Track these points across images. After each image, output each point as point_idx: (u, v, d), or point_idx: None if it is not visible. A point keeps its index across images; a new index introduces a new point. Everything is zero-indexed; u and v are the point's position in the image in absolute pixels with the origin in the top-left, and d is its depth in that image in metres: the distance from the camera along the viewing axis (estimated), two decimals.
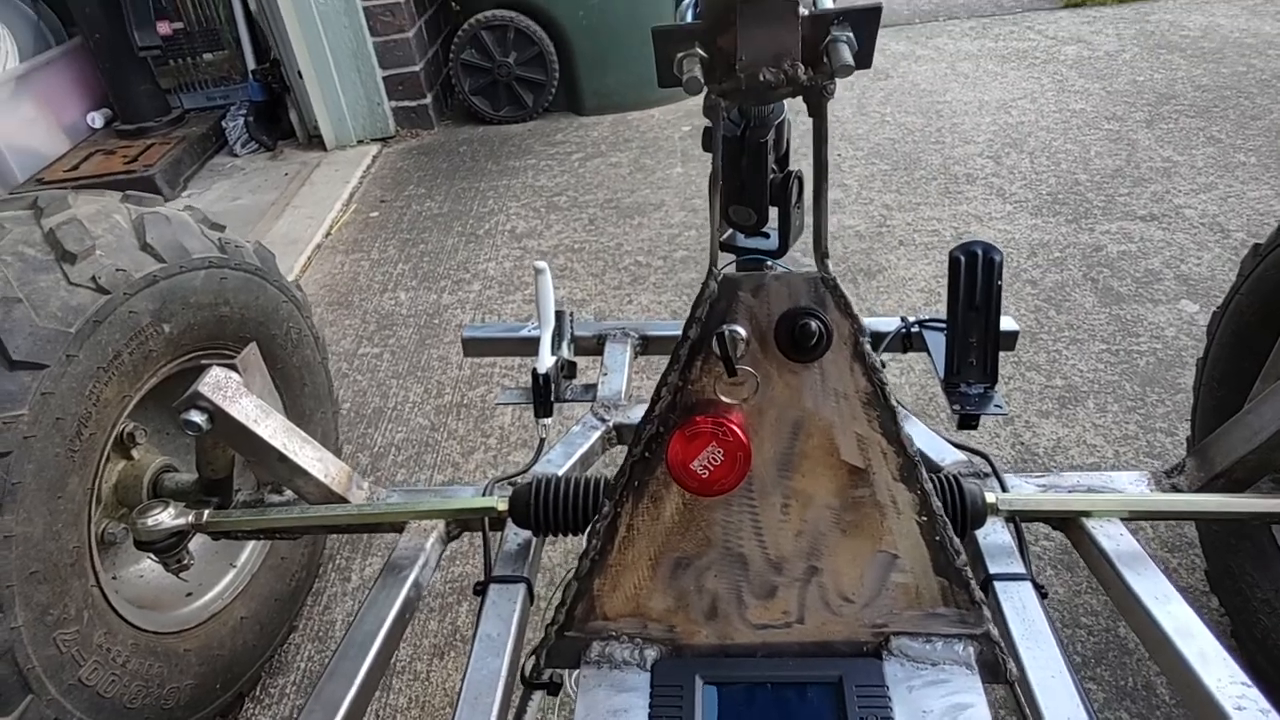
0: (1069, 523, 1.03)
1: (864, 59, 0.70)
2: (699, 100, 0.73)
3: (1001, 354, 1.22)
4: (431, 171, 3.67)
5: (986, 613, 0.81)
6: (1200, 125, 3.17)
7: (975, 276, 1.16)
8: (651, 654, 0.83)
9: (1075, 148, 3.12)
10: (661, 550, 0.82)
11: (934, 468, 1.13)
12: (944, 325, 1.23)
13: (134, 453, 1.26)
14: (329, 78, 3.84)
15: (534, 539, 1.07)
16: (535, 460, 1.21)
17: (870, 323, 1.41)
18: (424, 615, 1.62)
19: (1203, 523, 1.43)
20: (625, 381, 1.38)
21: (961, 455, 1.15)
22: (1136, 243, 2.52)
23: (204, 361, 1.22)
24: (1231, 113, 3.23)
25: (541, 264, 1.26)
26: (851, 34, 0.69)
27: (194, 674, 1.27)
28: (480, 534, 1.09)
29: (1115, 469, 1.74)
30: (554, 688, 0.92)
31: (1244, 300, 1.24)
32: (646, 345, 1.51)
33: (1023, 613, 0.90)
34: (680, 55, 0.71)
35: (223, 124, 4.05)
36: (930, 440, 1.18)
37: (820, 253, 0.77)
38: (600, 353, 1.48)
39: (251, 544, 1.46)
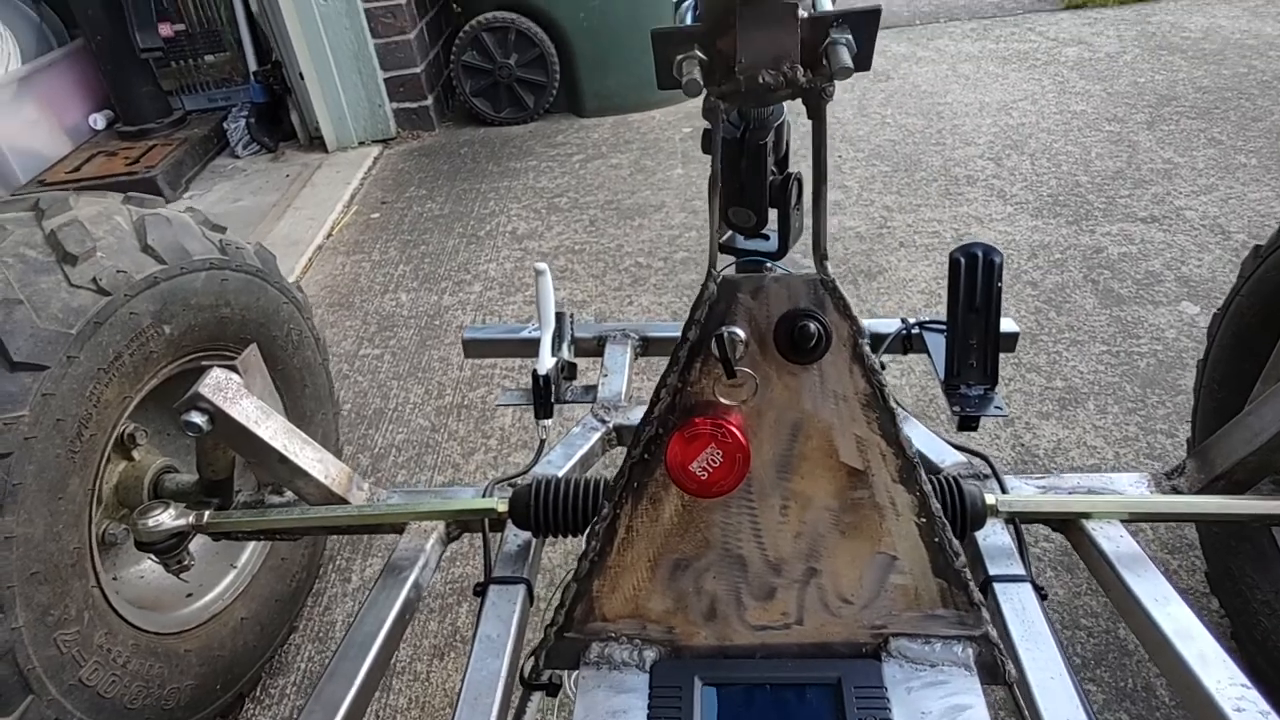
0: (1069, 524, 1.03)
1: (863, 61, 0.70)
2: (699, 102, 0.73)
3: (1002, 355, 1.22)
4: (433, 173, 3.68)
5: (985, 614, 0.81)
6: (1201, 127, 3.16)
7: (975, 278, 1.16)
8: (650, 655, 0.83)
9: (1076, 149, 3.12)
10: (660, 552, 0.82)
11: (934, 469, 1.13)
12: (944, 327, 1.23)
13: (135, 454, 1.26)
14: (330, 79, 3.84)
15: (534, 540, 1.07)
16: (535, 461, 1.21)
17: (870, 324, 1.41)
18: (424, 616, 1.63)
19: (1203, 524, 1.43)
20: (625, 383, 1.39)
21: (961, 457, 1.15)
22: (1137, 244, 2.52)
23: (205, 363, 1.22)
24: (1232, 114, 3.23)
25: (542, 265, 1.26)
26: (850, 36, 0.69)
27: (194, 674, 1.27)
28: (480, 535, 1.09)
29: (1115, 471, 1.74)
30: (553, 689, 0.92)
31: (1244, 302, 1.24)
32: (647, 347, 1.51)
33: (1022, 614, 0.90)
34: (680, 57, 0.71)
35: (224, 125, 4.06)
36: (930, 442, 1.18)
37: (819, 254, 0.77)
38: (600, 354, 1.48)
39: (252, 545, 1.46)
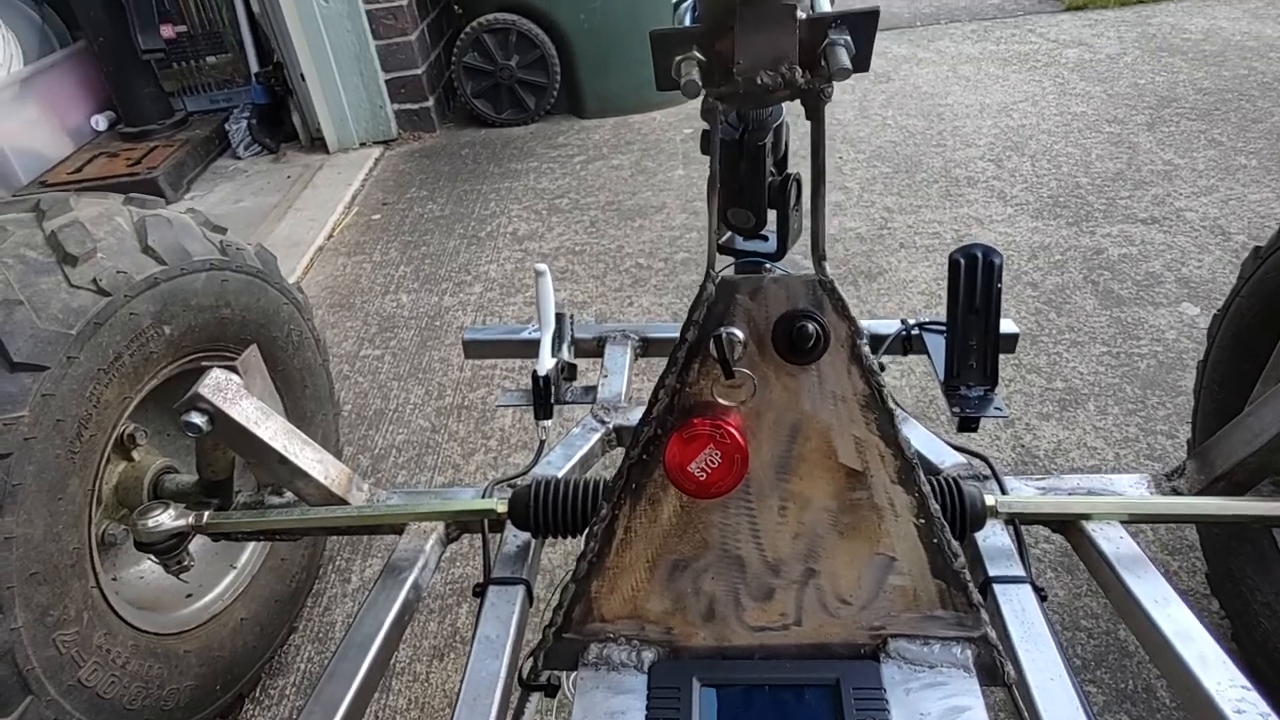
0: (1069, 525, 1.03)
1: (861, 62, 0.70)
2: (699, 103, 0.73)
3: (1002, 356, 1.22)
4: (433, 174, 3.68)
5: (984, 615, 0.81)
6: (1201, 128, 3.16)
7: (975, 279, 1.16)
8: (649, 656, 0.83)
9: (1076, 151, 3.12)
10: (659, 552, 0.82)
11: (933, 470, 1.13)
12: (944, 328, 1.23)
13: (134, 454, 1.26)
14: (331, 80, 3.85)
15: (533, 541, 1.07)
16: (535, 462, 1.21)
17: (870, 325, 1.41)
18: (424, 617, 1.63)
19: (1203, 526, 1.43)
20: (625, 384, 1.39)
21: (961, 458, 1.14)
22: (1137, 245, 2.52)
23: (205, 364, 1.22)
24: (1233, 116, 3.23)
25: (542, 266, 1.26)
26: (849, 37, 0.69)
27: (194, 675, 1.27)
28: (480, 536, 1.09)
29: (1116, 472, 1.74)
30: (552, 689, 0.92)
31: (1244, 303, 1.24)
32: (647, 347, 1.51)
33: (1022, 615, 0.90)
34: (678, 58, 0.71)
35: (226, 127, 4.07)
36: (930, 443, 1.18)
37: (817, 255, 0.77)
38: (600, 355, 1.48)
39: (251, 545, 1.46)
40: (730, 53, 0.70)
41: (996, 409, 1.16)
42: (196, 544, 1.20)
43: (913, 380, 2.10)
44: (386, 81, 3.93)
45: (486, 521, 1.08)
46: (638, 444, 0.79)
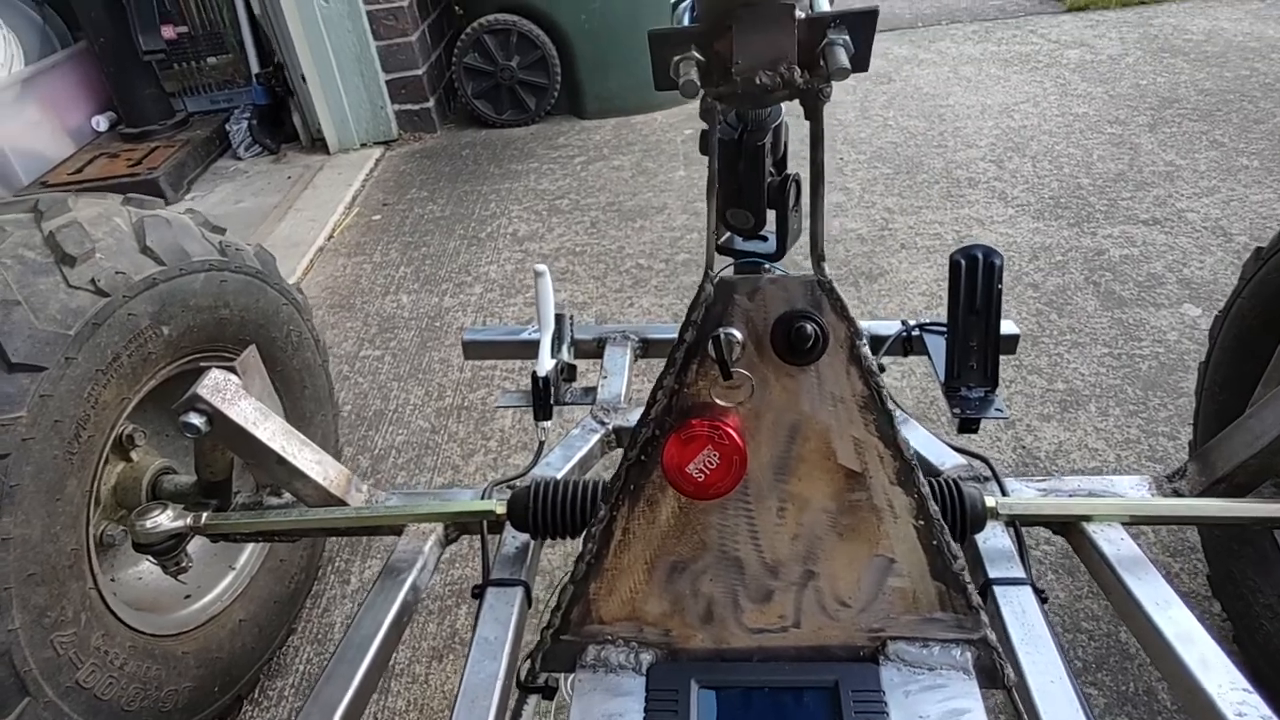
0: (1069, 527, 1.03)
1: (860, 62, 0.70)
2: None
3: (1002, 357, 1.21)
4: (434, 175, 3.68)
5: (984, 617, 0.80)
6: (1203, 129, 3.16)
7: (975, 280, 1.15)
8: (647, 658, 0.83)
9: (1078, 151, 3.11)
10: (657, 554, 0.82)
11: (933, 471, 1.13)
12: (944, 329, 1.22)
13: (133, 455, 1.26)
14: (332, 81, 3.85)
15: (532, 542, 1.07)
16: (534, 463, 1.21)
17: (870, 326, 1.41)
18: (423, 618, 1.62)
19: (1204, 527, 1.42)
20: (625, 385, 1.38)
21: (961, 459, 1.14)
22: (1139, 246, 2.51)
23: (203, 364, 1.22)
24: (1234, 116, 3.22)
25: (541, 267, 1.26)
26: (848, 37, 0.69)
27: (192, 676, 1.27)
28: (479, 537, 1.08)
29: (1117, 473, 1.73)
30: (549, 691, 0.91)
31: (1246, 304, 1.24)
32: (646, 348, 1.51)
33: (1022, 617, 0.89)
34: (676, 58, 0.70)
35: (226, 127, 4.07)
36: (930, 444, 1.18)
37: (816, 256, 0.77)
38: (600, 356, 1.48)
39: (250, 546, 1.46)
40: (729, 53, 0.70)
41: (997, 410, 1.16)
42: (195, 545, 1.19)
43: (913, 381, 2.09)
44: (387, 82, 3.93)
45: (485, 523, 1.08)
46: (636, 445, 0.79)
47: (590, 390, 1.35)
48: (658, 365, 2.02)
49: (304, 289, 2.78)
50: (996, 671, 0.80)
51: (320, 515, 1.13)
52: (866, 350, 0.76)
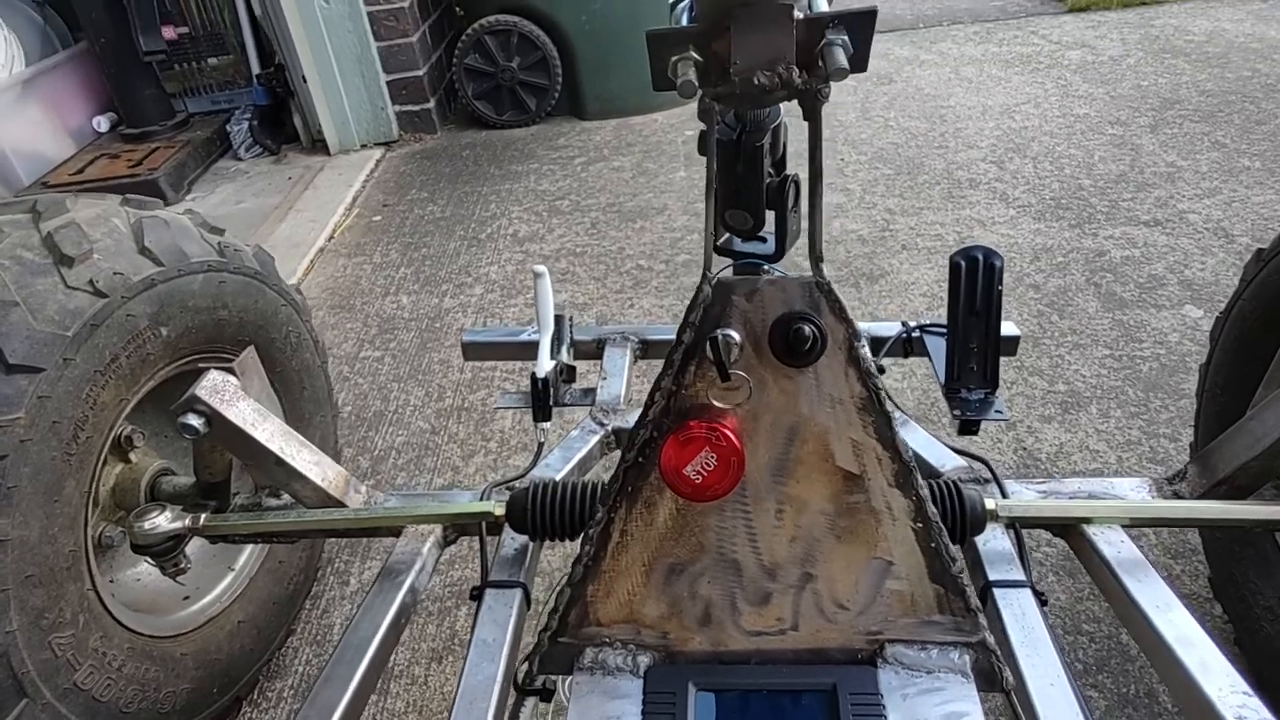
0: (1070, 529, 1.02)
1: (859, 62, 0.69)
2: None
3: (1003, 359, 1.21)
4: (434, 176, 3.68)
5: (983, 620, 0.80)
6: (1205, 130, 3.15)
7: (976, 281, 1.15)
8: (645, 660, 0.82)
9: (1079, 152, 3.11)
10: (655, 556, 0.81)
11: (933, 473, 1.13)
12: (945, 330, 1.22)
13: (131, 456, 1.26)
14: (333, 82, 3.85)
15: (531, 544, 1.07)
16: (533, 465, 1.20)
17: (871, 327, 1.41)
18: (422, 619, 1.62)
19: (1205, 530, 1.42)
20: (624, 386, 1.38)
21: (961, 461, 1.14)
22: (1140, 248, 2.51)
23: (202, 365, 1.22)
24: (1236, 118, 3.22)
25: (540, 268, 1.26)
26: (846, 37, 0.69)
27: (191, 678, 1.27)
28: (478, 538, 1.08)
29: (1118, 475, 1.73)
30: (547, 694, 0.91)
31: (1247, 306, 1.23)
32: (646, 349, 1.51)
33: (1022, 620, 0.89)
34: (675, 59, 0.70)
35: (227, 128, 4.07)
36: (930, 446, 1.18)
37: (815, 257, 0.77)
38: (600, 357, 1.47)
39: (249, 547, 1.45)
40: (727, 53, 0.69)
41: (997, 412, 1.16)
42: (194, 546, 1.19)
43: (914, 382, 2.09)
44: (388, 83, 3.93)
45: (484, 524, 1.08)
46: (633, 447, 0.79)
47: (590, 391, 1.35)
48: (658, 366, 2.02)
49: (304, 290, 2.79)
50: (995, 674, 0.80)
51: (319, 516, 1.13)
52: (865, 352, 0.76)
